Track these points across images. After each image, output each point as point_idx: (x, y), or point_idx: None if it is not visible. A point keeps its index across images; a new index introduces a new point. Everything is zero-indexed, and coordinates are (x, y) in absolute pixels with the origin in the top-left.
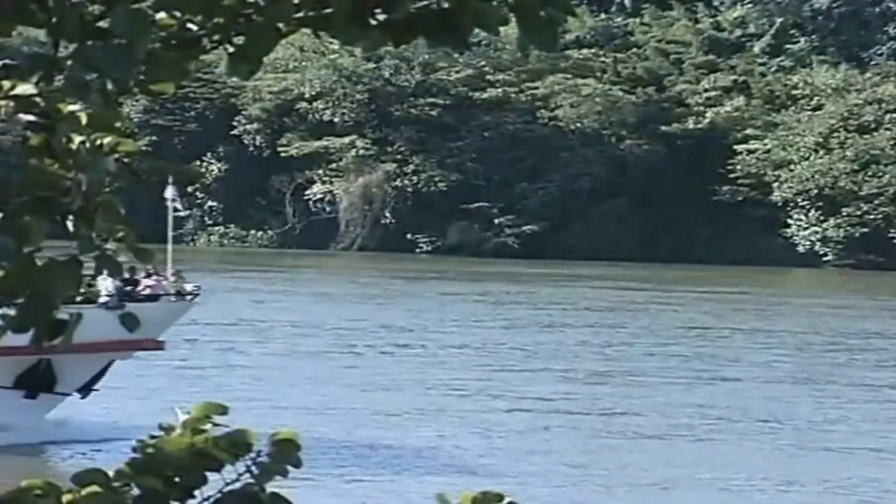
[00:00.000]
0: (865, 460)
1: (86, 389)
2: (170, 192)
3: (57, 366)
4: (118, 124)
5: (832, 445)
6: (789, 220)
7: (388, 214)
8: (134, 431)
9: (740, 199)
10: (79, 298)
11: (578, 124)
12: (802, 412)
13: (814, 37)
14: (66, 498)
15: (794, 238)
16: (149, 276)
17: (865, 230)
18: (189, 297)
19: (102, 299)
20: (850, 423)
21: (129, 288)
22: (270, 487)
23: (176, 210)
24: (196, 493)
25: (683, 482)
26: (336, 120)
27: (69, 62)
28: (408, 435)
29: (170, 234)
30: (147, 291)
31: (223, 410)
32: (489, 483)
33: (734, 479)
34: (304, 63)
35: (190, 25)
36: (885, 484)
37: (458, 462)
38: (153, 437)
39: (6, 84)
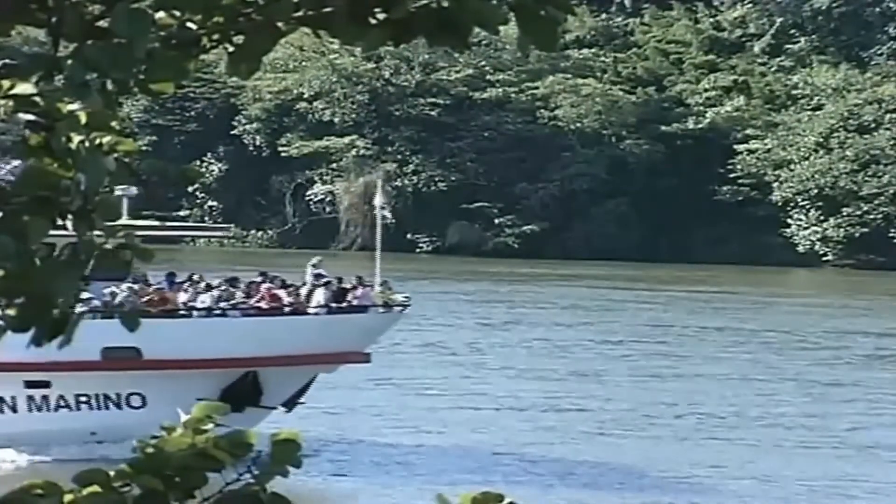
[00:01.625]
0: (809, 455)
1: (291, 403)
2: (378, 199)
3: (263, 378)
4: (116, 124)
5: (780, 441)
6: (789, 220)
7: (387, 214)
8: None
9: (740, 198)
10: (287, 310)
11: (578, 124)
12: (755, 408)
13: (814, 37)
14: (67, 498)
15: (794, 238)
16: (355, 287)
17: (866, 230)
18: (398, 309)
19: (312, 311)
20: (803, 418)
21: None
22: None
23: (384, 218)
24: (196, 493)
25: (630, 476)
26: (336, 120)
27: (69, 62)
28: (393, 437)
29: (378, 242)
30: (355, 303)
31: (224, 410)
32: (482, 484)
33: (681, 474)
34: (303, 63)
35: (189, 25)
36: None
37: (450, 464)
38: (154, 437)
39: (6, 83)
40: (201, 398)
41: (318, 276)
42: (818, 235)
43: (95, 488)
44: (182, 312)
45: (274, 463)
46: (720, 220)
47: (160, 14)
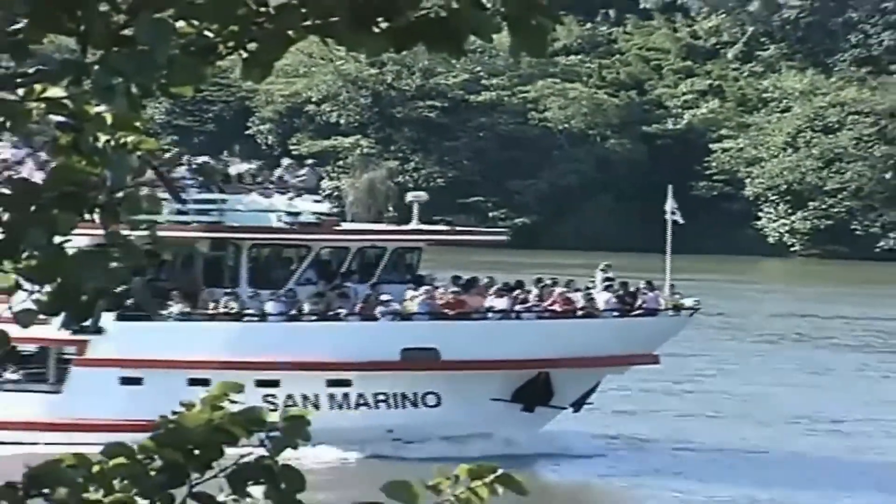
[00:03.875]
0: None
1: (579, 404)
2: (669, 204)
3: (555, 379)
4: (139, 124)
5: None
6: (760, 214)
7: (390, 208)
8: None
9: (715, 193)
10: (580, 313)
11: (566, 125)
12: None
13: (782, 44)
14: (95, 469)
15: (765, 230)
16: (644, 291)
17: (830, 222)
18: (687, 312)
19: (602, 314)
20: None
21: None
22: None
23: (675, 223)
24: (214, 464)
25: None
26: (342, 121)
27: (96, 67)
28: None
29: (668, 247)
30: (645, 307)
31: (238, 388)
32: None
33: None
34: (312, 69)
35: (207, 33)
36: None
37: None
38: (175, 413)
39: (38, 87)
40: (495, 398)
41: (606, 280)
42: (786, 228)
43: (121, 460)
44: (477, 315)
45: (285, 437)
46: (697, 214)
47: (180, 23)
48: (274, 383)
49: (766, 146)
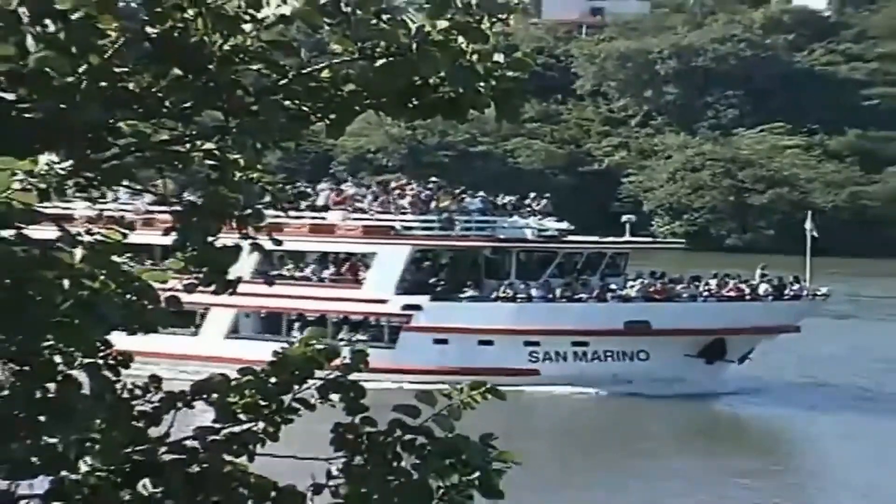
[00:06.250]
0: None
1: (743, 359)
2: (809, 223)
3: (728, 342)
4: (261, 166)
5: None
6: (653, 223)
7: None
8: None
9: (625, 210)
10: (747, 297)
11: (531, 167)
12: None
13: (666, 116)
14: (233, 383)
15: (656, 233)
16: (792, 283)
17: (695, 228)
18: (821, 297)
19: (762, 298)
20: None
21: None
22: None
23: (813, 237)
24: (308, 381)
25: None
26: (389, 164)
27: (234, 130)
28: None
29: (808, 253)
30: (791, 293)
31: (322, 334)
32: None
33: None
34: (371, 131)
35: (304, 108)
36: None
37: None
38: (283, 348)
39: (198, 142)
40: (687, 354)
41: (763, 276)
42: (669, 231)
43: (250, 377)
44: (676, 298)
45: (353, 365)
46: (613, 224)
47: (286, 102)
48: (536, 343)
49: (656, 181)
